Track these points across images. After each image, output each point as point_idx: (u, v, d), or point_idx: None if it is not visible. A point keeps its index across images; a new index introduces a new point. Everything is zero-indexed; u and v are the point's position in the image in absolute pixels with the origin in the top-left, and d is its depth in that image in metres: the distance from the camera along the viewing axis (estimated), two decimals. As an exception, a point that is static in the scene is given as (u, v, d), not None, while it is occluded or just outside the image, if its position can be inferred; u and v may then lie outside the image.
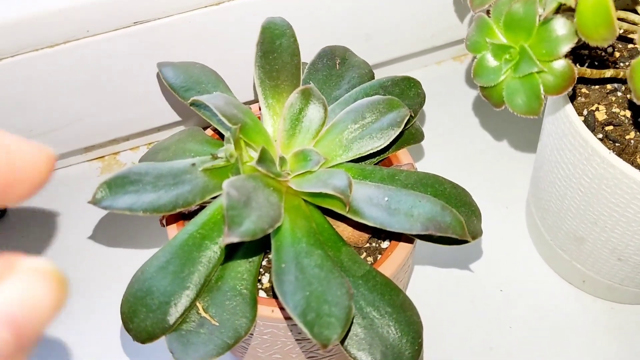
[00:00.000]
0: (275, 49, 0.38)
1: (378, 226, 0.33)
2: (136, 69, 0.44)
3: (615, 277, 0.43)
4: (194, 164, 0.34)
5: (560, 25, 0.29)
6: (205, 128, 0.40)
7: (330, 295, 0.30)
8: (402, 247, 0.36)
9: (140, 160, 0.38)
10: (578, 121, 0.35)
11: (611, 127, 0.37)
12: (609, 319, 0.45)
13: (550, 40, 0.29)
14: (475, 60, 0.33)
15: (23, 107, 0.44)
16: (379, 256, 0.38)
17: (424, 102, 0.40)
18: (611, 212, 0.37)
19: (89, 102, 0.46)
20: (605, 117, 0.37)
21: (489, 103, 0.33)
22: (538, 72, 0.30)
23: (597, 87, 0.38)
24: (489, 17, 0.32)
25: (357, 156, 0.36)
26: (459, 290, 0.47)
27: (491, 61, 0.32)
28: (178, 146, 0.38)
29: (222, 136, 0.38)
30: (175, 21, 0.43)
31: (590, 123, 0.37)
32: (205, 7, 0.43)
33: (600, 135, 0.37)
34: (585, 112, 0.37)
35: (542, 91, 0.31)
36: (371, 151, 0.36)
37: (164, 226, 0.38)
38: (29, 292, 0.18)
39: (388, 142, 0.36)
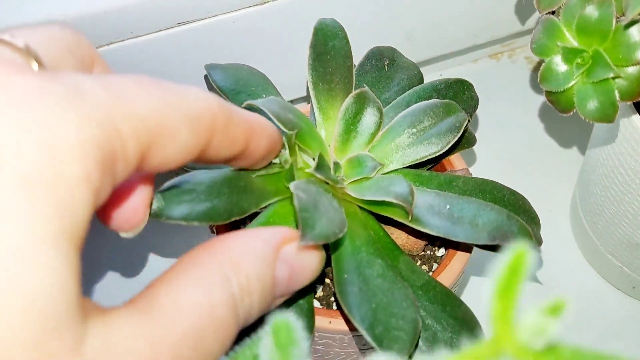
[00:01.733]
0: (328, 51, 0.37)
1: (442, 235, 0.32)
2: (180, 70, 0.43)
3: (669, 284, 0.42)
4: (249, 171, 0.33)
5: (638, 31, 0.28)
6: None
7: (396, 308, 0.29)
8: (461, 257, 0.35)
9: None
10: (643, 126, 0.34)
11: (676, 132, 0.36)
12: (660, 326, 0.45)
13: (627, 46, 0.28)
14: (544, 64, 0.32)
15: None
16: (434, 265, 0.37)
17: (477, 105, 0.39)
18: (674, 220, 0.36)
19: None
20: (670, 121, 0.36)
21: (555, 108, 0.32)
22: (613, 78, 0.29)
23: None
24: (558, 19, 0.31)
25: (414, 162, 0.35)
26: (505, 295, 0.46)
27: (561, 65, 0.31)
28: None
29: None
30: (219, 21, 0.42)
31: (654, 128, 0.36)
32: (250, 7, 0.42)
33: (665, 141, 0.36)
34: (647, 117, 0.36)
35: (617, 97, 0.29)
36: (428, 157, 0.35)
37: (214, 233, 0.37)
38: (304, 254, 0.25)
39: (446, 148, 0.35)
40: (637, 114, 0.34)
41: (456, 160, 0.38)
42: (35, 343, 0.16)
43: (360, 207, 0.35)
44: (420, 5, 0.48)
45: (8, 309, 0.15)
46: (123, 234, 0.25)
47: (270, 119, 0.34)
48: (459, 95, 0.38)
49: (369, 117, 0.35)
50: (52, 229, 0.16)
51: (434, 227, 0.32)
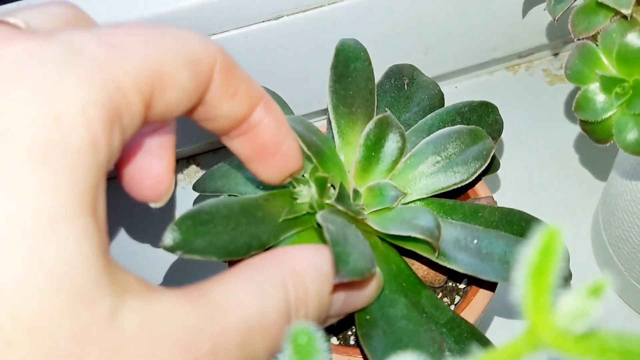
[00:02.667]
0: (350, 73, 0.35)
1: (470, 273, 0.30)
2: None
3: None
4: (267, 199, 0.31)
5: (685, 60, 0.26)
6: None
7: (423, 353, 0.28)
8: (484, 294, 0.33)
9: (196, 185, 0.35)
10: (678, 155, 0.32)
11: None
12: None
13: (671, 76, 0.26)
14: (579, 92, 0.30)
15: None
16: (456, 297, 0.35)
17: (502, 130, 0.37)
18: None
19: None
20: None
21: (591, 138, 0.30)
22: (655, 109, 0.28)
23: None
24: (596, 44, 0.29)
25: (438, 192, 0.34)
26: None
27: (599, 94, 0.29)
28: (237, 174, 0.35)
29: None
30: (231, 37, 0.40)
31: (689, 156, 0.34)
32: (263, 22, 0.40)
33: (700, 170, 0.34)
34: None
35: (659, 130, 0.28)
36: (453, 187, 0.34)
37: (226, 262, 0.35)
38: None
39: (473, 178, 0.33)
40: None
41: (480, 188, 0.37)
42: (67, 313, 0.15)
43: (381, 239, 0.33)
44: (439, 19, 0.46)
45: (33, 282, 0.15)
46: (152, 204, 0.25)
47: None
48: (484, 118, 0.37)
49: (391, 143, 0.33)
50: (64, 198, 0.16)
51: (462, 264, 0.30)
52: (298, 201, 0.31)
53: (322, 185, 0.30)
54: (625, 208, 0.40)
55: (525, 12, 0.46)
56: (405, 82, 0.39)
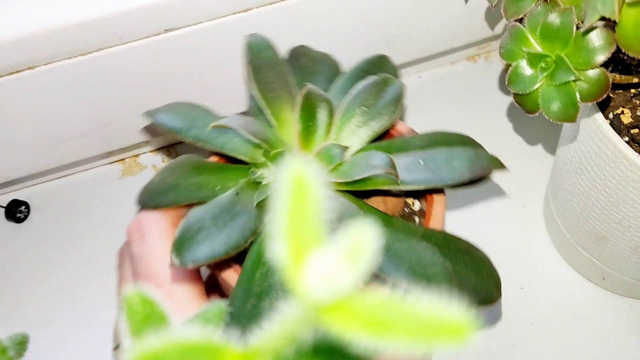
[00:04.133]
0: (264, 62, 0.38)
1: (430, 186, 0.34)
2: (162, 75, 0.45)
3: (636, 274, 0.44)
4: (237, 193, 0.34)
5: (597, 36, 0.30)
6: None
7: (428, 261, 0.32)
8: (439, 199, 0.37)
9: (141, 200, 0.35)
10: (606, 125, 0.36)
11: (637, 130, 0.38)
12: (629, 315, 0.47)
13: (587, 50, 0.30)
14: (511, 68, 0.34)
15: (54, 114, 0.45)
16: (417, 219, 0.39)
17: (397, 72, 0.42)
18: (636, 213, 0.38)
19: (118, 107, 0.46)
20: (630, 120, 0.38)
21: (522, 109, 0.34)
22: (574, 81, 0.31)
23: (621, 91, 0.39)
24: (524, 26, 0.33)
25: (374, 136, 0.37)
26: (481, 288, 0.48)
27: (526, 69, 0.33)
28: (188, 181, 0.36)
29: (229, 158, 0.38)
30: (201, 28, 0.43)
31: (617, 126, 0.38)
32: (234, 14, 0.44)
33: (627, 139, 0.38)
34: (611, 116, 0.38)
35: (578, 98, 0.31)
36: (384, 128, 0.37)
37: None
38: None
39: (397, 116, 0.37)
40: (600, 113, 0.36)
41: (401, 127, 0.40)
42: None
43: (341, 192, 0.36)
44: (397, 11, 0.50)
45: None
46: None
47: (241, 134, 0.36)
48: (383, 68, 0.41)
49: (322, 110, 0.37)
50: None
51: (421, 182, 0.34)
52: (264, 183, 0.34)
53: (272, 155, 0.34)
54: (567, 179, 0.44)
55: (466, 0, 0.49)
56: (304, 61, 0.42)
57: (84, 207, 0.52)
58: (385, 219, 0.35)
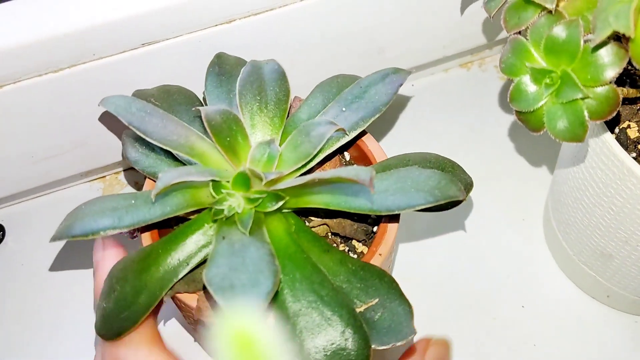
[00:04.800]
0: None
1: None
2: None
3: (642, 293, 0.42)
4: (223, 237, 0.32)
5: (607, 51, 0.28)
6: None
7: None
8: (392, 228, 0.35)
9: (102, 333, 0.33)
10: (612, 141, 0.34)
11: (644, 146, 0.36)
12: (634, 332, 0.45)
13: (595, 66, 0.28)
14: (513, 84, 0.31)
15: (25, 133, 0.42)
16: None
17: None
18: (645, 232, 0.36)
19: (93, 127, 0.44)
20: (637, 134, 0.36)
21: (526, 127, 0.32)
22: (582, 98, 0.29)
23: (627, 104, 0.37)
24: (526, 39, 0.31)
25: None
26: (480, 307, 0.46)
27: (530, 85, 0.31)
28: (149, 280, 0.34)
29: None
30: (184, 41, 0.41)
31: (623, 141, 0.36)
32: (216, 26, 0.41)
33: (634, 154, 0.36)
34: (617, 130, 0.36)
35: (586, 117, 0.29)
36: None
37: (135, 237, 0.36)
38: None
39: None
40: (609, 132, 0.34)
41: (368, 142, 0.38)
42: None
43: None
44: (388, 20, 0.48)
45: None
46: None
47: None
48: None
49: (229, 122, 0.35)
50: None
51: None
52: (234, 210, 0.33)
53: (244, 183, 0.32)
54: (569, 194, 0.42)
55: (462, 10, 0.47)
56: (219, 69, 0.40)
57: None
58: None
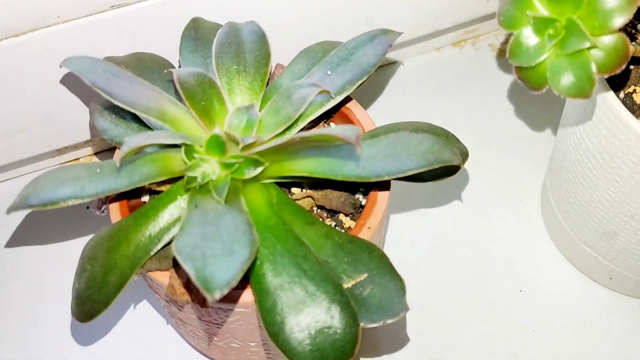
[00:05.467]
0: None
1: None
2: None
3: (648, 274, 0.39)
4: (196, 205, 0.29)
5: (615, -6, 0.25)
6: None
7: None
8: (382, 196, 0.33)
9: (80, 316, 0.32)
10: (618, 105, 0.31)
11: (651, 111, 0.33)
12: (638, 317, 0.42)
13: (602, 12, 0.26)
14: (512, 37, 0.29)
15: (-14, 106, 0.39)
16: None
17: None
18: (653, 204, 0.34)
19: (61, 98, 0.41)
20: (644, 99, 0.33)
21: (526, 86, 0.29)
22: (588, 49, 0.27)
23: (632, 66, 0.34)
24: (527, -13, 0.28)
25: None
26: (476, 292, 0.44)
27: (531, 38, 0.28)
28: (122, 256, 0.32)
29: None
30: (153, 4, 0.38)
31: (629, 106, 0.33)
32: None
33: (641, 120, 0.33)
34: (622, 95, 0.34)
35: (594, 70, 0.27)
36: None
37: (103, 212, 0.33)
38: None
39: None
40: (612, 91, 0.32)
41: (354, 108, 0.36)
42: None
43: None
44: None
45: None
46: None
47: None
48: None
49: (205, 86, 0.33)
50: None
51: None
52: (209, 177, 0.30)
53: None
54: (570, 169, 0.39)
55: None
56: (195, 33, 0.37)
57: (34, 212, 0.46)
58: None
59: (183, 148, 0.30)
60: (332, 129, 0.27)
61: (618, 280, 0.42)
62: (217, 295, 0.24)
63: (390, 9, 0.47)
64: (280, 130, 0.31)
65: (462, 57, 0.56)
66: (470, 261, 0.45)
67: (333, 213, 0.34)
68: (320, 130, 0.27)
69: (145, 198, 0.35)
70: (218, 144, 0.29)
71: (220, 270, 0.24)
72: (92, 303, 0.30)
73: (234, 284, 0.24)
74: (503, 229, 0.46)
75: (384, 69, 0.55)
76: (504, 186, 0.48)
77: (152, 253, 0.31)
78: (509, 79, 0.54)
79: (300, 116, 0.31)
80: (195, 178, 0.30)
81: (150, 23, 0.39)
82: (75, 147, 0.46)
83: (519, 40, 0.29)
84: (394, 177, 0.29)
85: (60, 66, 0.31)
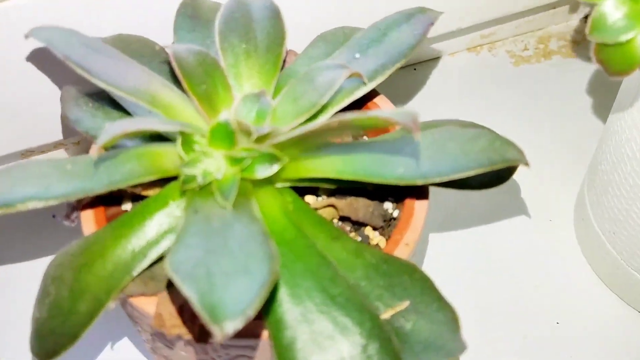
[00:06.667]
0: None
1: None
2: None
3: None
4: (196, 211, 0.23)
5: None
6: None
7: None
8: (420, 206, 0.27)
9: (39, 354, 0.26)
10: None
11: None
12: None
13: None
14: (595, 9, 0.24)
15: None
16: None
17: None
18: None
19: (26, 88, 0.34)
20: None
21: (607, 70, 0.24)
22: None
23: None
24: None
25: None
26: (509, 324, 0.38)
27: (620, 8, 0.23)
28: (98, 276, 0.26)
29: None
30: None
31: None
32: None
33: None
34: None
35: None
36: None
37: (73, 222, 0.27)
38: None
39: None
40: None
41: (382, 103, 0.30)
42: None
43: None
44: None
45: None
46: None
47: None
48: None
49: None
50: None
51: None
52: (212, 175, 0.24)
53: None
54: (622, 182, 0.34)
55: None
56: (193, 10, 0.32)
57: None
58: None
59: (180, 138, 0.24)
60: (383, 111, 0.21)
61: (671, 312, 0.37)
62: (230, 327, 0.18)
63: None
64: (301, 121, 0.25)
65: (479, 63, 0.52)
66: (498, 288, 0.39)
67: (358, 226, 0.28)
68: (367, 112, 0.21)
69: (127, 206, 0.29)
70: (226, 134, 0.23)
71: (233, 294, 0.18)
72: (55, 337, 0.24)
73: (251, 313, 0.18)
74: (533, 253, 0.41)
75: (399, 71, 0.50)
76: (532, 205, 0.43)
77: (134, 273, 0.24)
78: (528, 85, 0.50)
79: (325, 105, 0.25)
80: (194, 177, 0.24)
81: (138, 1, 0.33)
82: (45, 149, 0.39)
83: (603, 12, 0.23)
84: (446, 179, 0.23)
85: (26, 37, 0.25)
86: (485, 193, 0.43)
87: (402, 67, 0.50)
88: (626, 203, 0.35)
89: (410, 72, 0.51)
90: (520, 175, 0.44)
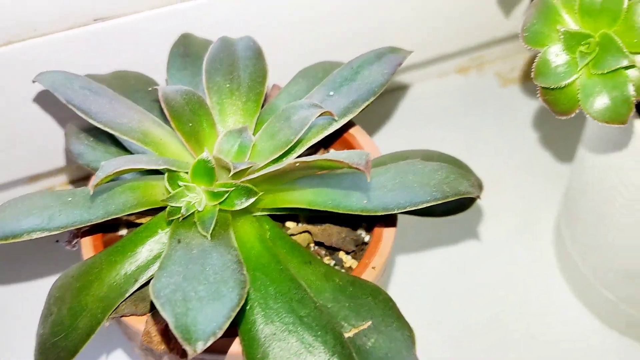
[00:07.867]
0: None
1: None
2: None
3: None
4: (179, 240, 0.26)
5: (659, 7, 0.22)
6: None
7: None
8: (388, 233, 0.29)
9: None
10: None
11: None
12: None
13: (643, 27, 0.23)
14: (539, 55, 0.26)
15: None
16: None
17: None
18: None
19: (35, 119, 0.37)
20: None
21: (553, 110, 0.26)
22: (626, 68, 0.24)
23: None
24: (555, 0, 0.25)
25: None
26: (486, 338, 0.40)
27: (561, 56, 0.25)
28: (93, 299, 0.28)
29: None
30: (143, 19, 0.35)
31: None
32: (182, 1, 0.35)
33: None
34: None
35: (631, 92, 0.24)
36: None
37: (74, 247, 0.30)
38: None
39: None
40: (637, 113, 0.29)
41: (358, 135, 0.33)
42: None
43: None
44: (382, 15, 0.42)
45: None
46: None
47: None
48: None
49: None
50: None
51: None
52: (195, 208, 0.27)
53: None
54: (591, 209, 0.36)
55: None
56: (185, 49, 0.35)
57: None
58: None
59: (166, 175, 0.26)
60: (338, 153, 0.23)
61: (637, 328, 0.38)
62: (200, 347, 0.20)
63: (395, 30, 0.44)
64: (277, 156, 0.28)
65: (467, 84, 0.54)
66: (478, 305, 0.41)
67: (332, 250, 0.31)
68: (324, 155, 0.24)
69: (123, 232, 0.31)
70: (206, 170, 0.26)
71: (205, 318, 0.21)
72: (57, 351, 0.26)
73: (220, 333, 0.21)
74: (512, 270, 0.43)
75: (385, 96, 0.52)
76: (513, 223, 0.45)
77: (127, 295, 0.27)
78: (514, 106, 0.51)
79: (299, 141, 0.28)
80: (178, 209, 0.26)
81: (136, 39, 0.36)
82: (50, 174, 0.42)
83: (546, 59, 0.26)
84: (405, 210, 0.26)
85: (33, 81, 0.28)
86: (468, 213, 0.46)
87: (392, 88, 0.52)
88: (593, 227, 0.36)
89: (403, 94, 0.53)
90: (504, 195, 0.47)
